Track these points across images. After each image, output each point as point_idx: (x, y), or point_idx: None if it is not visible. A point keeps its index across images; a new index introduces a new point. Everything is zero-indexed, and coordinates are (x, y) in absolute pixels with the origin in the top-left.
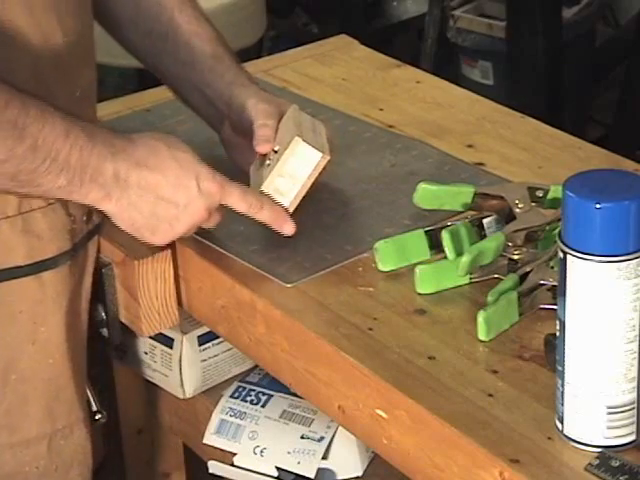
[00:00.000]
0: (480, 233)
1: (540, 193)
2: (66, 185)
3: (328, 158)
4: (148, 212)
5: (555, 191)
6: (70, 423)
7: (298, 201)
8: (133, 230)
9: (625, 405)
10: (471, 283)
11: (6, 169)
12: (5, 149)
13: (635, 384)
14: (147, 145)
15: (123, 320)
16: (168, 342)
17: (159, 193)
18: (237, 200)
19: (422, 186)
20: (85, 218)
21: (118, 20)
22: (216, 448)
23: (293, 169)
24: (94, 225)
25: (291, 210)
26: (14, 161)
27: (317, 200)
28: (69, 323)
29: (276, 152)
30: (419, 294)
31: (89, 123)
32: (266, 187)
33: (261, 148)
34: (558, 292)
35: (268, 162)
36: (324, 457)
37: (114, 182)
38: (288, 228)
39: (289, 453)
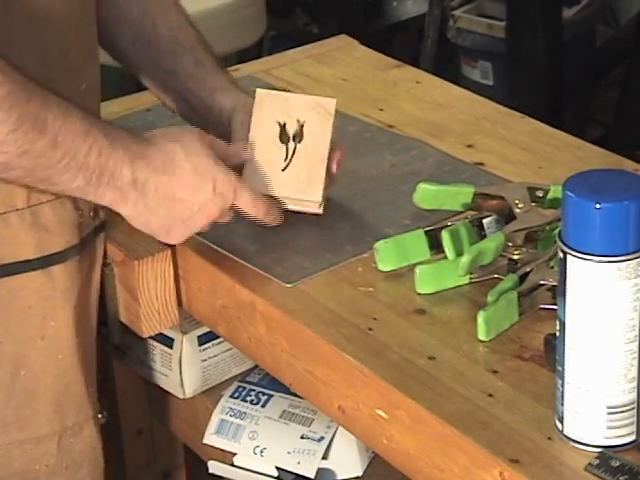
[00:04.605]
0: (480, 233)
1: (540, 193)
2: (83, 186)
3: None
4: (164, 215)
5: (555, 191)
6: (80, 421)
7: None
8: (149, 231)
9: (625, 405)
10: (471, 283)
11: (24, 163)
12: (26, 142)
13: (635, 384)
14: (164, 150)
15: (123, 320)
16: (168, 342)
17: (176, 196)
18: (246, 205)
19: (422, 186)
20: (92, 213)
21: (104, 29)
22: (216, 448)
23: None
24: (100, 221)
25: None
26: (32, 154)
27: None
28: (78, 318)
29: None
30: (419, 294)
31: (109, 124)
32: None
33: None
34: (558, 292)
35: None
36: (324, 457)
37: (132, 187)
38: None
39: (289, 453)
